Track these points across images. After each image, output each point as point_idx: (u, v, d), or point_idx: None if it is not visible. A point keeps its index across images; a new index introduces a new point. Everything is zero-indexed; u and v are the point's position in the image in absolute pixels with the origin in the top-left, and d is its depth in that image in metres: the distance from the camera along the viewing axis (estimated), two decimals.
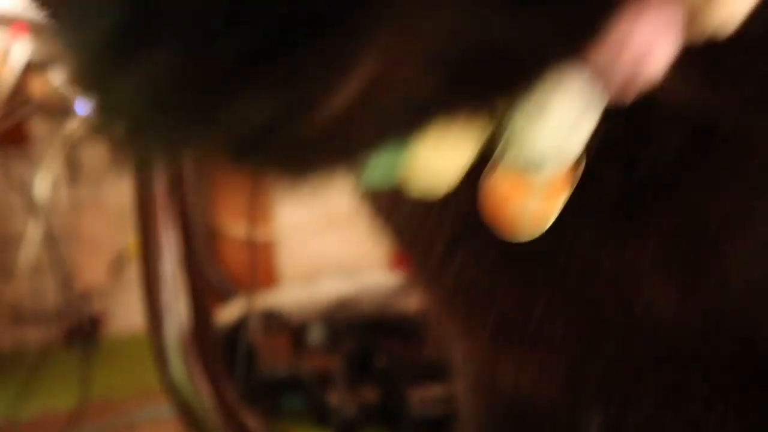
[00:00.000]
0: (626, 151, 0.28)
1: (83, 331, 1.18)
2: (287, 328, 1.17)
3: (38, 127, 1.12)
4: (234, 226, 1.45)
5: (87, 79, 0.20)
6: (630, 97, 0.24)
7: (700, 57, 0.25)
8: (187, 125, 0.19)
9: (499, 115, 0.26)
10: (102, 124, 0.22)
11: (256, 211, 1.46)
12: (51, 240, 1.09)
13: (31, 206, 1.06)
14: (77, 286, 1.17)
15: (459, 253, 0.32)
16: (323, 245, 1.45)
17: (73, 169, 1.16)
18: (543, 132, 0.24)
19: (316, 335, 1.17)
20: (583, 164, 0.26)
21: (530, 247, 0.28)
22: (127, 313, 1.24)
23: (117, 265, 1.18)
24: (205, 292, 0.64)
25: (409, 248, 0.37)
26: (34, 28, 1.00)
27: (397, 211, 0.35)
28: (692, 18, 0.23)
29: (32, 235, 1.07)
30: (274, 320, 1.14)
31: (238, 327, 1.03)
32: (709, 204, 0.28)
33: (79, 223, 1.18)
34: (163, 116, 0.19)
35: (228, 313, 1.15)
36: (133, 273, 0.67)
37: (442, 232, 0.33)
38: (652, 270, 0.29)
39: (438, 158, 0.26)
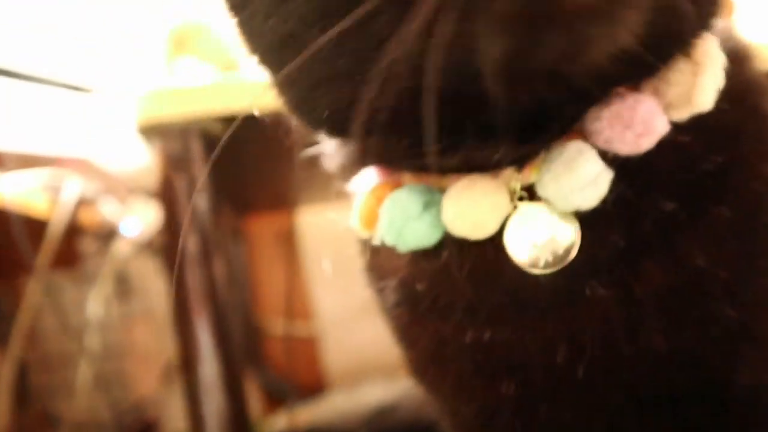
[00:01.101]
0: (631, 210, 0.30)
1: None
2: None
3: (88, 249, 1.21)
4: (277, 323, 1.47)
5: None
6: (641, 150, 0.28)
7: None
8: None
9: (521, 173, 0.30)
10: None
11: (297, 307, 1.48)
12: (105, 356, 1.15)
13: (84, 325, 1.14)
14: (132, 397, 1.23)
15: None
16: (365, 336, 1.41)
17: (122, 285, 1.24)
18: (571, 184, 0.28)
19: None
20: (578, 238, 0.29)
21: (540, 298, 0.30)
22: (178, 419, 1.28)
23: (167, 374, 1.23)
24: (244, 396, 0.64)
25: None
26: (81, 165, 1.10)
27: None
28: (676, 104, 0.29)
29: (88, 352, 1.14)
30: None
31: None
32: (702, 263, 0.29)
33: (130, 336, 1.24)
34: None
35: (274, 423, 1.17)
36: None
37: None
38: (649, 319, 0.30)
39: (476, 209, 0.29)
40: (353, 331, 1.44)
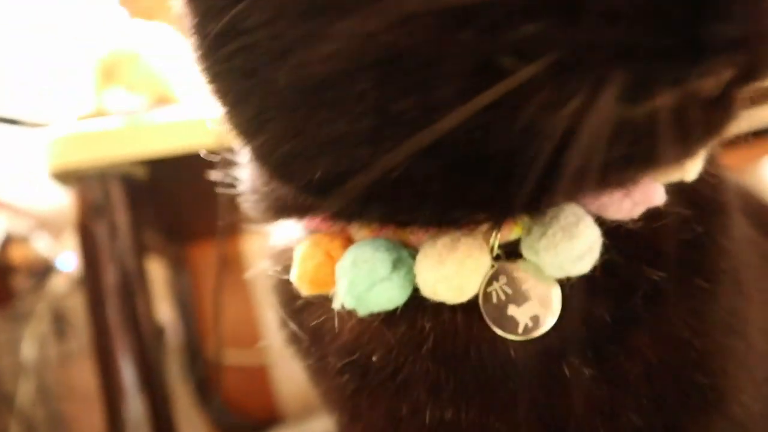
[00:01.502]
0: (619, 279, 0.29)
1: None
2: None
3: (21, 286, 1.17)
4: (227, 353, 1.44)
5: None
6: (634, 217, 0.28)
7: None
8: None
9: (500, 231, 0.28)
10: None
11: (247, 336, 1.45)
12: (43, 399, 1.11)
13: (20, 365, 1.09)
14: None
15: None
16: None
17: (59, 323, 1.20)
18: (570, 252, 0.26)
19: None
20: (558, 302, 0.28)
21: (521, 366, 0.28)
22: None
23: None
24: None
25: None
26: (7, 205, 1.06)
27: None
28: (665, 174, 0.29)
29: (24, 394, 1.10)
30: None
31: None
32: (687, 334, 0.29)
33: (69, 377, 1.20)
34: None
35: None
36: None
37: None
38: (633, 396, 0.29)
39: (461, 272, 0.27)
40: None
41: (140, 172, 0.59)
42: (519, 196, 0.22)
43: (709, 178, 0.31)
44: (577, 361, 0.28)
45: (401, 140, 0.21)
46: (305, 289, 0.32)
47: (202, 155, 0.60)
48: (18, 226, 1.06)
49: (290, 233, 0.34)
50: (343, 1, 0.20)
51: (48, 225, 1.16)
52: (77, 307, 1.22)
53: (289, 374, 1.44)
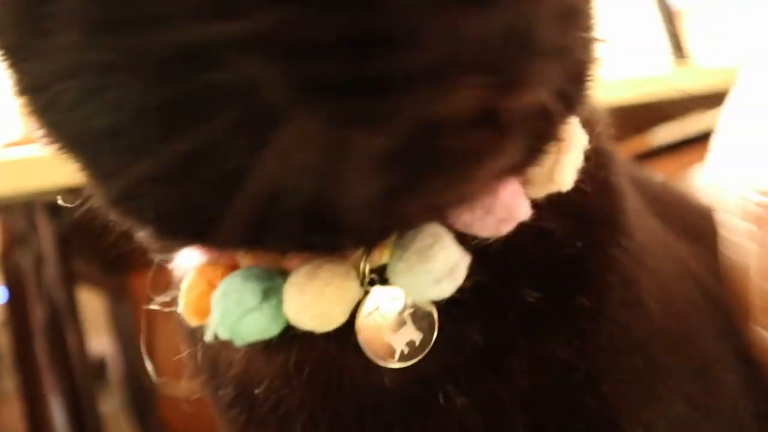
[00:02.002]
0: (491, 300, 0.28)
1: None
2: None
3: None
4: (172, 384, 1.39)
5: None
6: (501, 234, 0.26)
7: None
8: None
9: (370, 255, 0.27)
10: None
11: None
12: None
13: None
14: None
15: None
16: None
17: None
18: (426, 275, 0.25)
19: None
20: (435, 325, 0.27)
21: (398, 392, 0.27)
22: None
23: None
24: None
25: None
26: None
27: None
28: (536, 181, 0.28)
29: None
30: None
31: None
32: (565, 355, 0.28)
33: (1, 415, 1.14)
34: None
35: None
36: None
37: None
38: (512, 423, 0.28)
39: (322, 300, 0.26)
40: None
41: (69, 201, 0.58)
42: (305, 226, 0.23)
43: (593, 185, 0.30)
44: (451, 389, 0.27)
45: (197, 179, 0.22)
46: (191, 320, 0.31)
47: None
48: None
49: (186, 262, 0.33)
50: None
51: None
52: (6, 344, 1.17)
53: None
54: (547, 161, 0.27)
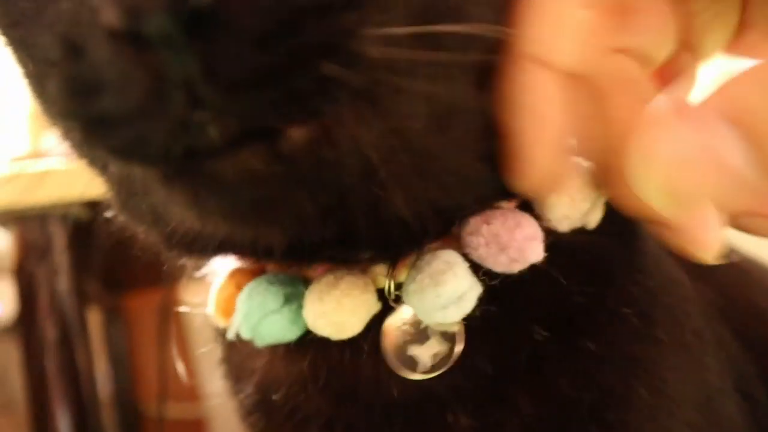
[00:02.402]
0: (502, 333, 0.28)
1: None
2: None
3: None
4: (162, 405, 1.38)
5: None
6: (513, 271, 0.27)
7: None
8: None
9: (394, 271, 0.28)
10: None
11: (184, 388, 1.40)
12: None
13: None
14: None
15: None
16: None
17: None
18: (435, 299, 0.26)
19: None
20: (461, 341, 0.28)
21: (407, 416, 0.28)
22: None
23: None
24: None
25: None
26: None
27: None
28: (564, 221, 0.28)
29: None
30: None
31: None
32: (569, 390, 0.28)
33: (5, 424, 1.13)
34: None
35: None
36: None
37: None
38: None
39: (339, 310, 0.27)
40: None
41: (82, 213, 0.58)
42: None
43: (613, 227, 0.30)
44: (460, 410, 0.29)
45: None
46: (219, 321, 0.33)
47: None
48: None
49: (218, 268, 0.35)
50: None
51: None
52: (7, 358, 1.16)
53: (228, 427, 1.40)
54: (584, 198, 0.28)
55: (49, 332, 0.54)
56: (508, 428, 0.28)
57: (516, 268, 0.27)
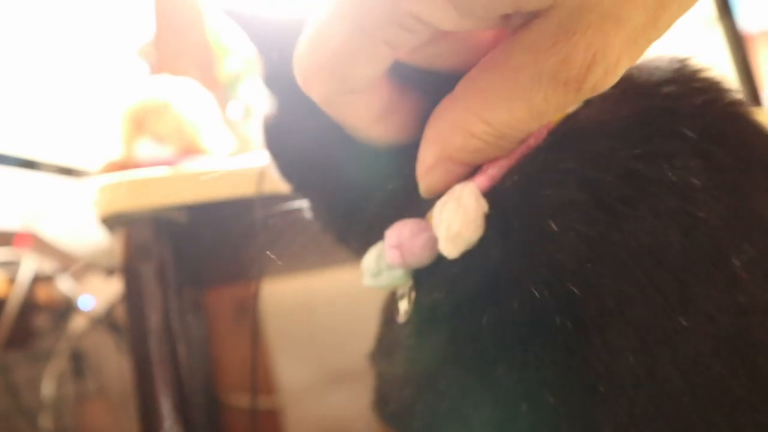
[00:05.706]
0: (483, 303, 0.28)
1: None
2: None
3: (42, 325, 1.19)
4: (239, 397, 1.46)
5: None
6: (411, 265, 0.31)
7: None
8: None
9: None
10: None
11: (259, 380, 1.45)
12: None
13: (40, 403, 1.11)
14: None
15: None
16: (330, 407, 1.41)
17: (77, 362, 1.22)
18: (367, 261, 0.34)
19: None
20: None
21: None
22: None
23: None
24: None
25: None
26: (37, 242, 1.10)
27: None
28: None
29: (42, 431, 1.11)
30: None
31: None
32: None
33: (84, 416, 1.21)
34: None
35: None
36: None
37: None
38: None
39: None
40: (317, 404, 1.42)
41: (182, 218, 0.63)
42: None
43: None
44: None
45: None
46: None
47: (231, 203, 0.64)
48: (44, 266, 1.09)
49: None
50: None
51: (70, 267, 1.19)
52: (96, 347, 1.24)
53: (302, 418, 1.45)
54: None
55: (155, 326, 0.59)
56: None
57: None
